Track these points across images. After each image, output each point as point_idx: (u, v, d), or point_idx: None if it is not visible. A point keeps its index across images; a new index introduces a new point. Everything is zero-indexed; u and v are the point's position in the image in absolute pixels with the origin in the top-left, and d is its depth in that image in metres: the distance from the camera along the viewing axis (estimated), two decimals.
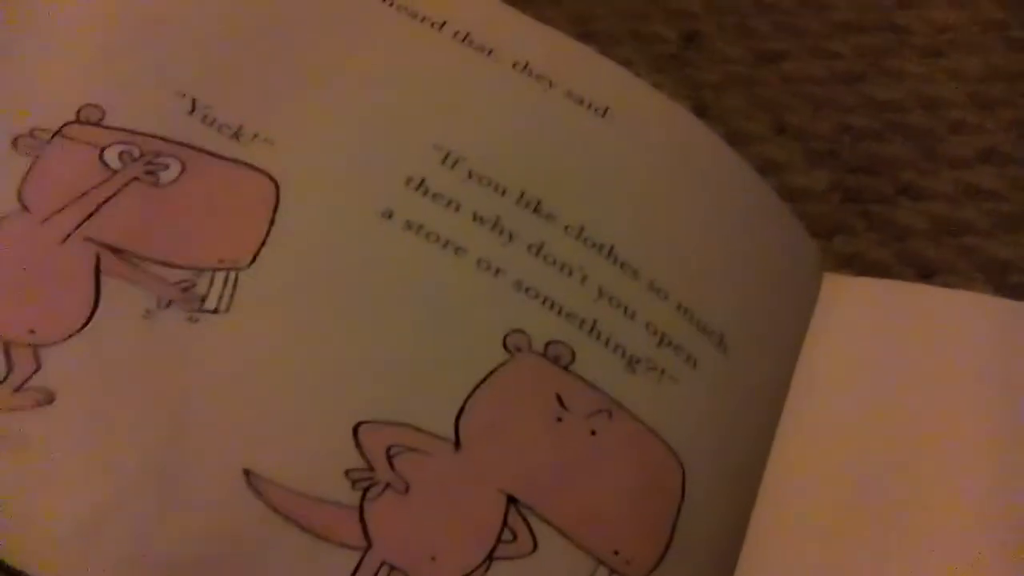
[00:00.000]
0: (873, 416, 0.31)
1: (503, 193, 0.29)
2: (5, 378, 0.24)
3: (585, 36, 0.36)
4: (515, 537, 0.25)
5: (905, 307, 0.33)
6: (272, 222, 0.27)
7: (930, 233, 0.38)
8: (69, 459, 0.24)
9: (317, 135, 0.29)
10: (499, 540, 0.25)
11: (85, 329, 0.25)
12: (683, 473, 0.28)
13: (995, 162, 0.39)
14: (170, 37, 0.30)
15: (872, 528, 0.29)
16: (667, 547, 0.27)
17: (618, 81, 0.32)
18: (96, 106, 0.28)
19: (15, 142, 0.27)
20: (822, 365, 0.31)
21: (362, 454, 0.25)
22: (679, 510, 0.27)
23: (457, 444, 0.26)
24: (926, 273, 0.37)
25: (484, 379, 0.27)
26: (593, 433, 0.27)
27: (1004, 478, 0.29)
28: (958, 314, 0.33)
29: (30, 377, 0.24)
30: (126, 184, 0.27)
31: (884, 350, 0.32)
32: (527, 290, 0.28)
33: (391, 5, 0.32)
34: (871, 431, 0.30)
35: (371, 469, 0.25)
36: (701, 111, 0.39)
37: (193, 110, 0.29)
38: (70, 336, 0.25)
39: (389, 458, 0.25)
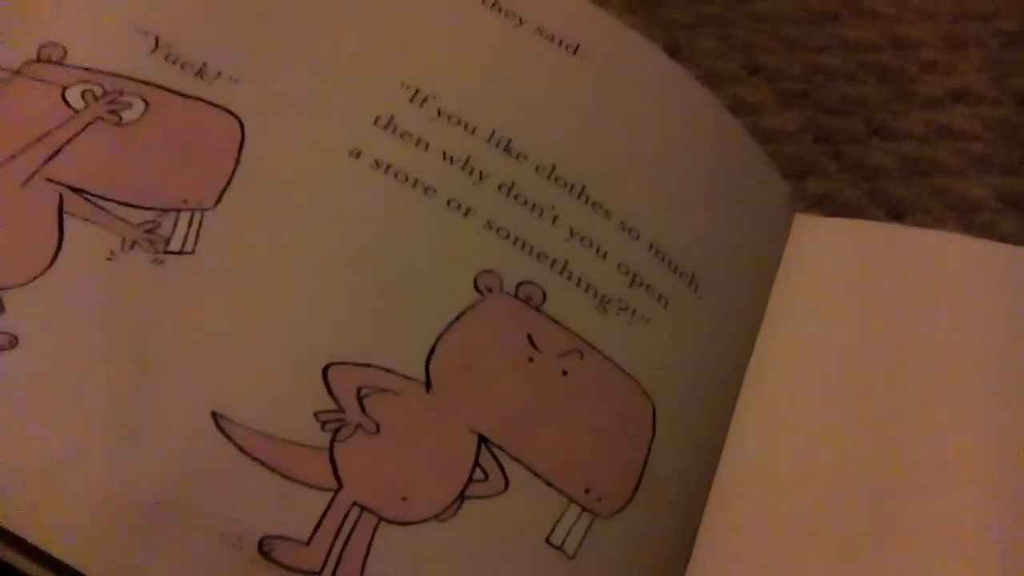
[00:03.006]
0: (842, 354, 0.31)
1: (473, 132, 0.29)
2: None
3: None
4: (487, 476, 0.25)
5: (876, 247, 0.33)
6: (237, 161, 0.27)
7: (901, 173, 0.38)
8: (34, 403, 0.23)
9: (282, 73, 0.29)
10: (471, 479, 0.25)
11: (48, 272, 0.25)
12: (654, 412, 0.28)
13: (966, 102, 0.39)
14: None
15: (843, 466, 0.29)
16: (638, 485, 0.27)
17: (589, 18, 0.32)
18: (57, 44, 0.28)
19: None
20: (793, 304, 0.31)
21: (332, 396, 0.25)
22: (650, 449, 0.27)
23: (428, 385, 0.26)
24: (896, 213, 0.37)
25: (455, 320, 0.26)
26: (564, 373, 0.27)
27: (976, 408, 0.30)
28: (928, 253, 0.33)
29: None
30: (89, 124, 0.27)
31: (855, 290, 0.32)
32: (498, 230, 0.28)
33: None
34: (840, 370, 0.30)
35: (341, 411, 0.25)
36: (673, 52, 0.39)
37: (156, 48, 0.28)
38: (33, 279, 0.25)
39: (359, 399, 0.25)
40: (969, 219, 0.37)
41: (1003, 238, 0.35)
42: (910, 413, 0.30)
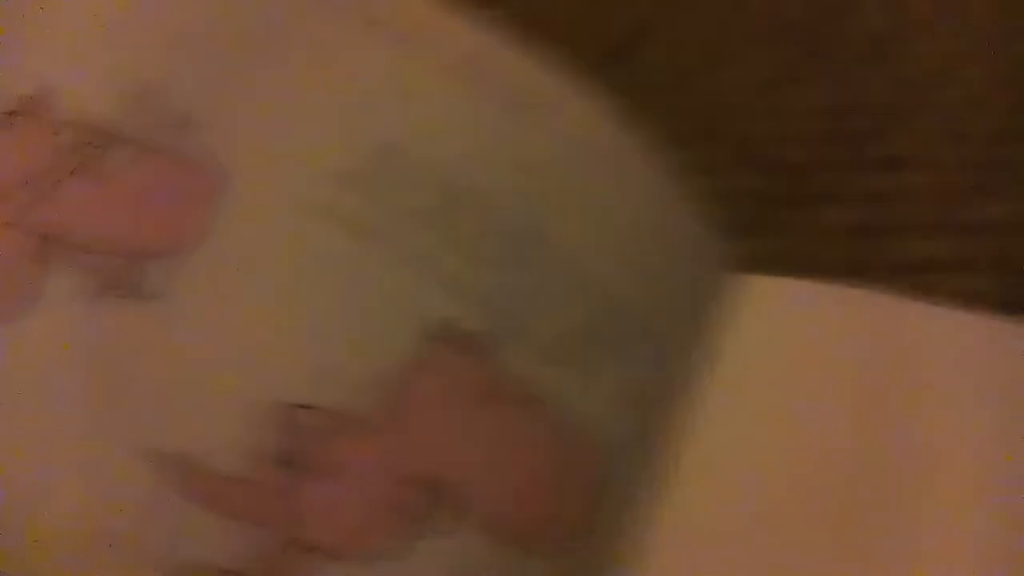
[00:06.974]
0: (784, 415, 0.32)
1: (434, 188, 0.30)
2: None
3: None
4: (437, 519, 0.26)
5: (833, 310, 0.34)
6: (209, 212, 0.28)
7: (853, 233, 0.38)
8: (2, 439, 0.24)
9: (257, 125, 0.29)
10: (422, 521, 0.26)
11: (22, 314, 0.26)
12: (600, 466, 0.29)
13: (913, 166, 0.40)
14: (124, 29, 0.30)
15: (789, 527, 0.30)
16: (587, 529, 0.28)
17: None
18: (38, 95, 0.28)
19: None
20: (737, 365, 0.32)
21: (283, 436, 0.26)
22: (595, 501, 0.28)
23: (379, 429, 0.27)
24: (848, 273, 0.37)
25: (407, 366, 0.27)
26: (512, 424, 0.28)
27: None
28: (892, 320, 0.33)
29: None
30: (71, 172, 0.28)
31: (803, 354, 0.33)
32: (451, 283, 0.29)
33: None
34: (784, 432, 0.32)
35: (292, 451, 0.26)
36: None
37: (135, 99, 0.29)
38: (5, 323, 0.26)
39: (309, 440, 0.26)
40: (920, 280, 0.37)
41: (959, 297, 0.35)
42: (862, 479, 0.31)
